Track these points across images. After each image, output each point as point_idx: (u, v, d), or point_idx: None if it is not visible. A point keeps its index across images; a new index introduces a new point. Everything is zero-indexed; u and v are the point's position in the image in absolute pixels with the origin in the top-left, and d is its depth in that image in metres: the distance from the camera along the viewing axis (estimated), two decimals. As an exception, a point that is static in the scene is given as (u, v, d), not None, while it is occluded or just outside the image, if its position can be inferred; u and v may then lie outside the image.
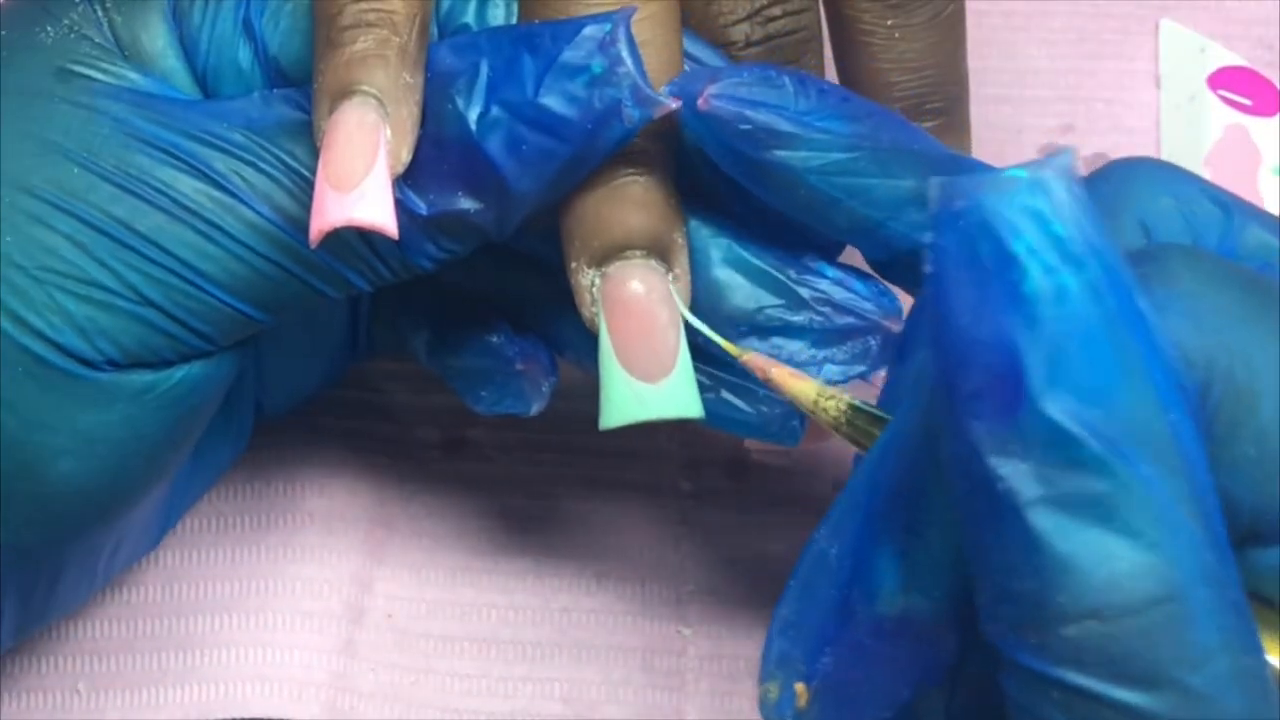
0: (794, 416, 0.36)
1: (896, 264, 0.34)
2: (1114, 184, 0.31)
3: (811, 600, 0.29)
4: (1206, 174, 0.46)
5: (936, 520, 0.27)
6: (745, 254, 0.34)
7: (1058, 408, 0.24)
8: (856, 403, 0.31)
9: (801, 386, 0.32)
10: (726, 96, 0.32)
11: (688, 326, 0.33)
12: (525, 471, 0.44)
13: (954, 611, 0.27)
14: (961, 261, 0.24)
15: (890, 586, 0.27)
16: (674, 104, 0.32)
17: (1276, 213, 0.45)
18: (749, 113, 0.32)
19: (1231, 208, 0.30)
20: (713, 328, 0.34)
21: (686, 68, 0.34)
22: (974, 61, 0.39)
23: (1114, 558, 0.24)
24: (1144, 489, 0.24)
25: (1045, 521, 0.24)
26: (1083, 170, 0.26)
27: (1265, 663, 0.25)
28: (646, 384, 0.33)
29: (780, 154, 0.32)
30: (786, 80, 0.33)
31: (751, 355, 0.33)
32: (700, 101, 0.32)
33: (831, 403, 0.31)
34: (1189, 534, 0.24)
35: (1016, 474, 0.24)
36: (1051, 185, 0.24)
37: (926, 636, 0.27)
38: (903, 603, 0.27)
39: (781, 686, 0.29)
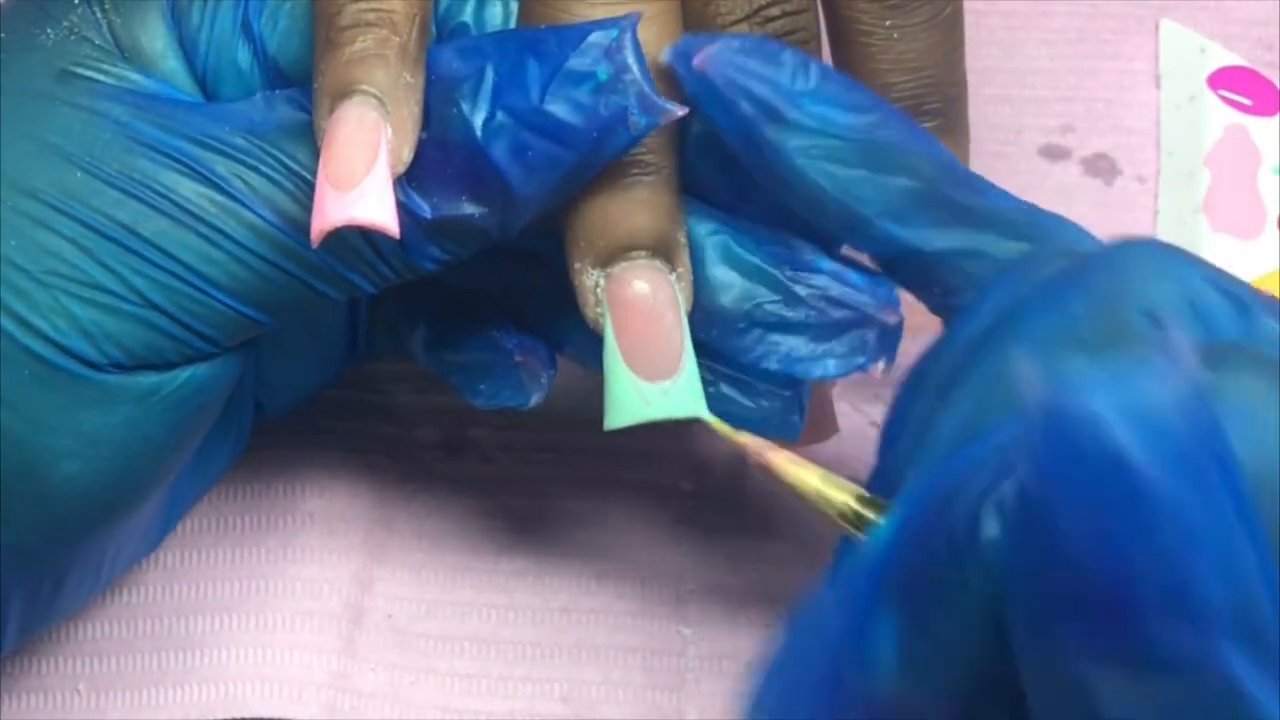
0: (794, 412, 0.36)
1: (888, 262, 0.34)
2: (1114, 274, 0.29)
3: (805, 673, 0.28)
4: (1206, 174, 0.46)
5: (952, 623, 0.26)
6: (741, 251, 0.34)
7: (1164, 626, 0.22)
8: (863, 492, 0.31)
9: (802, 474, 0.31)
10: (722, 60, 0.32)
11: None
12: (525, 471, 0.43)
13: (950, 704, 0.26)
14: (1065, 461, 0.23)
15: (887, 668, 0.26)
16: (680, 111, 0.32)
17: (1277, 212, 0.45)
18: (739, 80, 0.32)
19: (1243, 300, 0.28)
20: (709, 324, 0.34)
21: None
22: (974, 61, 0.39)
23: None
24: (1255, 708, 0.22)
25: None
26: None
27: None
28: (652, 384, 0.33)
29: (768, 130, 0.32)
30: (786, 56, 0.33)
31: (747, 438, 0.33)
32: (696, 60, 0.32)
33: (836, 492, 0.31)
34: None
35: (1115, 685, 0.23)
36: (1154, 382, 0.22)
37: None
38: (898, 686, 0.26)
39: None
